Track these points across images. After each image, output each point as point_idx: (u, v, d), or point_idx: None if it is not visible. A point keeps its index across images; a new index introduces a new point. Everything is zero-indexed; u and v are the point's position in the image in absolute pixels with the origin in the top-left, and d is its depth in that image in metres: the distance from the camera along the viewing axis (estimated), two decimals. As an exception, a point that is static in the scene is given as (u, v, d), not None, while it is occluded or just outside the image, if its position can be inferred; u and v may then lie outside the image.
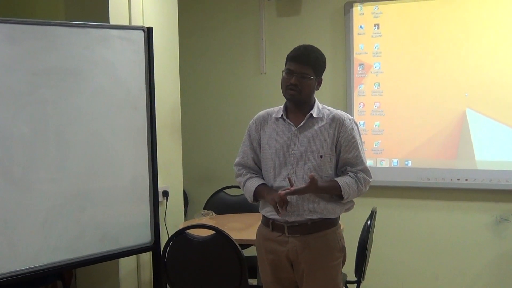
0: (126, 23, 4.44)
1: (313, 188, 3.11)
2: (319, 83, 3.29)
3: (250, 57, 5.98)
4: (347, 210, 3.35)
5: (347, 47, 5.52)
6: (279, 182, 3.24)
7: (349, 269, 4.27)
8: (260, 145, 3.38)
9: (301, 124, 3.26)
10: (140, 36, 4.11)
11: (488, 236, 5.21)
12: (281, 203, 3.10)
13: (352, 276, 4.25)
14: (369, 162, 5.29)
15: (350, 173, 3.23)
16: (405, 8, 5.32)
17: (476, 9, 5.09)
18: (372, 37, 5.44)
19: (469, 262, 5.28)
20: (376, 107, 5.45)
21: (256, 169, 3.42)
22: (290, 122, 3.28)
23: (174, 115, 4.88)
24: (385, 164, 5.44)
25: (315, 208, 3.19)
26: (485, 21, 5.06)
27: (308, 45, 3.31)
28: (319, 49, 3.30)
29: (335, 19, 5.62)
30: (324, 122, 3.25)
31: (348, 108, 5.49)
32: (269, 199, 3.21)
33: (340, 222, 3.37)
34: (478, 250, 5.25)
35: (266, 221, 3.35)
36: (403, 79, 5.36)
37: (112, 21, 4.31)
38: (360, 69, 5.49)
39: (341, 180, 3.19)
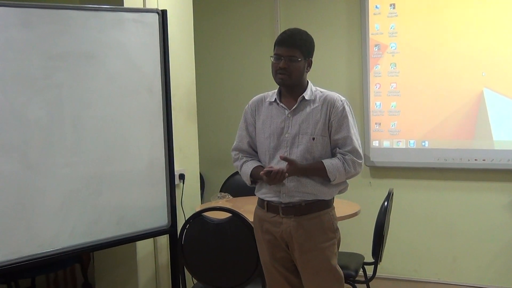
0: (140, 6, 4.43)
1: (293, 168, 3.17)
2: (309, 65, 3.32)
3: (265, 39, 5.95)
4: (341, 191, 3.40)
5: (363, 27, 5.48)
6: (274, 165, 3.26)
7: (366, 250, 4.28)
8: (255, 129, 3.43)
9: (294, 107, 3.30)
10: (155, 19, 4.09)
11: (505, 216, 5.18)
12: (272, 178, 3.14)
13: (369, 258, 4.25)
14: (385, 143, 5.36)
15: (338, 155, 3.27)
16: (420, -13, 5.28)
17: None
18: (388, 17, 5.39)
19: (487, 243, 5.26)
20: (392, 88, 5.41)
21: (252, 152, 3.48)
22: (284, 106, 3.33)
23: (189, 98, 4.87)
24: (402, 145, 5.40)
25: (309, 190, 3.24)
26: (503, 0, 5.00)
27: (295, 28, 3.33)
28: (306, 31, 3.32)
29: (350, 0, 5.58)
30: (316, 104, 3.29)
31: (364, 89, 5.47)
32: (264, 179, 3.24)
33: (334, 204, 3.39)
34: (495, 230, 5.22)
35: (261, 202, 3.41)
36: (419, 59, 5.32)
37: (127, 4, 4.30)
38: (376, 49, 5.45)
39: (326, 162, 3.23)
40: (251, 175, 3.38)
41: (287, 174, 3.15)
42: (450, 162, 5.26)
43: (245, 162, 3.45)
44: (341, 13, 5.63)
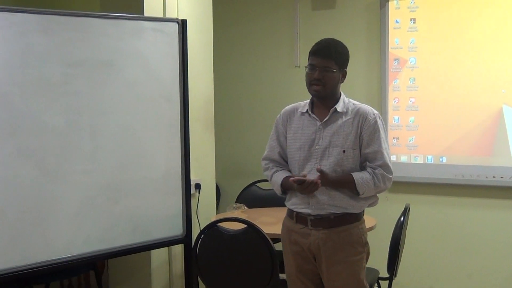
0: (160, 15, 4.44)
1: (324, 180, 3.13)
2: (344, 76, 3.28)
3: (284, 50, 5.96)
4: (371, 205, 3.36)
5: (383, 41, 5.47)
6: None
7: (381, 265, 4.25)
8: (286, 139, 3.40)
9: (325, 119, 3.27)
10: (174, 28, 4.10)
11: (523, 235, 5.14)
12: (304, 187, 3.11)
13: (384, 273, 4.22)
14: (403, 158, 5.34)
15: (368, 168, 3.23)
16: (441, 3, 5.25)
17: (515, 3, 5.00)
18: (408, 31, 5.37)
19: (504, 261, 5.20)
20: (411, 103, 5.39)
21: (283, 162, 3.45)
22: (315, 117, 3.30)
23: (207, 108, 4.88)
24: (419, 160, 5.37)
25: (338, 203, 3.21)
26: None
27: (330, 38, 3.31)
28: (341, 42, 3.29)
29: (370, 13, 5.57)
30: (348, 117, 3.25)
31: (383, 103, 5.44)
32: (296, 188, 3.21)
33: (364, 217, 3.37)
34: (511, 248, 5.18)
35: (290, 213, 3.39)
36: (439, 75, 5.29)
37: (147, 13, 4.32)
38: (395, 63, 5.43)
39: (356, 175, 3.20)
40: (281, 185, 3.35)
41: (320, 185, 3.12)
42: (467, 179, 5.22)
43: (275, 172, 3.42)
44: (361, 26, 5.62)
